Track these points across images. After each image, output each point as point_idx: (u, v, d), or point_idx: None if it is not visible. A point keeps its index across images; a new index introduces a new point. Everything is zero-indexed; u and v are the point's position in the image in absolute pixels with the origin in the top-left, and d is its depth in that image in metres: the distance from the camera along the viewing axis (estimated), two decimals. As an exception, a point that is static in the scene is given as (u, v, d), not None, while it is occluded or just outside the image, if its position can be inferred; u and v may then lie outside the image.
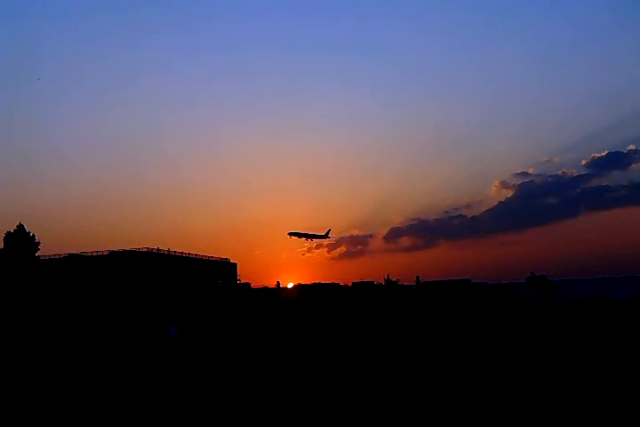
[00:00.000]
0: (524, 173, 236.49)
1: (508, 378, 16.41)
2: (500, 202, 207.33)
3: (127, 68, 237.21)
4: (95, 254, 77.52)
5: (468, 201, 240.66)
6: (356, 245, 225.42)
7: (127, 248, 76.92)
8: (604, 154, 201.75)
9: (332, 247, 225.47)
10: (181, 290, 71.02)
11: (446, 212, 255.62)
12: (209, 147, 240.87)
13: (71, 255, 78.10)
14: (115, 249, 77.11)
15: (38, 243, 71.97)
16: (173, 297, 64.11)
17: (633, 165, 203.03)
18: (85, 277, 71.41)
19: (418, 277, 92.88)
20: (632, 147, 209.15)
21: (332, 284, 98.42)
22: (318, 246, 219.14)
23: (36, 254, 72.36)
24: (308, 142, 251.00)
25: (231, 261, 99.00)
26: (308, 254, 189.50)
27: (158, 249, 79.85)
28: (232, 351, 27.26)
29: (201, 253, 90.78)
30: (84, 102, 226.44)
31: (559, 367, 18.28)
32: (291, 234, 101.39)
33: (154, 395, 15.73)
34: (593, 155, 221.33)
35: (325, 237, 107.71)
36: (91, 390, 16.82)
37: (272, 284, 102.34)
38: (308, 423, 11.89)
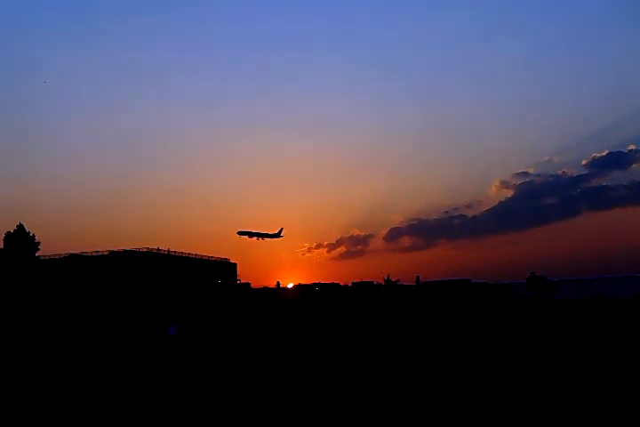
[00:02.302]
0: (524, 173, 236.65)
1: (507, 378, 16.40)
2: (500, 202, 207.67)
3: (129, 68, 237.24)
4: (95, 254, 77.60)
5: (467, 201, 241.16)
6: (356, 245, 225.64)
7: (127, 248, 77.00)
8: (604, 154, 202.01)
9: (331, 247, 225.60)
10: (181, 290, 71.03)
11: (446, 212, 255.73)
12: (209, 147, 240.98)
13: (71, 255, 78.16)
14: (115, 249, 77.20)
15: (38, 243, 72.07)
16: (173, 297, 64.10)
17: (633, 165, 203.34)
18: (85, 277, 71.43)
19: (418, 277, 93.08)
20: (632, 147, 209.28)
21: (332, 284, 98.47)
22: (318, 246, 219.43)
23: (36, 254, 72.43)
24: (308, 142, 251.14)
25: (231, 261, 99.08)
26: (308, 254, 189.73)
27: (158, 249, 79.92)
28: (232, 352, 27.24)
29: (201, 253, 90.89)
30: (85, 103, 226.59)
31: (558, 367, 18.26)
32: (240, 233, 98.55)
33: (153, 395, 15.72)
34: (593, 155, 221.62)
35: (277, 236, 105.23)
36: (90, 390, 16.81)
37: (272, 284, 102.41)
38: (308, 423, 11.88)
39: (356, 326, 40.77)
